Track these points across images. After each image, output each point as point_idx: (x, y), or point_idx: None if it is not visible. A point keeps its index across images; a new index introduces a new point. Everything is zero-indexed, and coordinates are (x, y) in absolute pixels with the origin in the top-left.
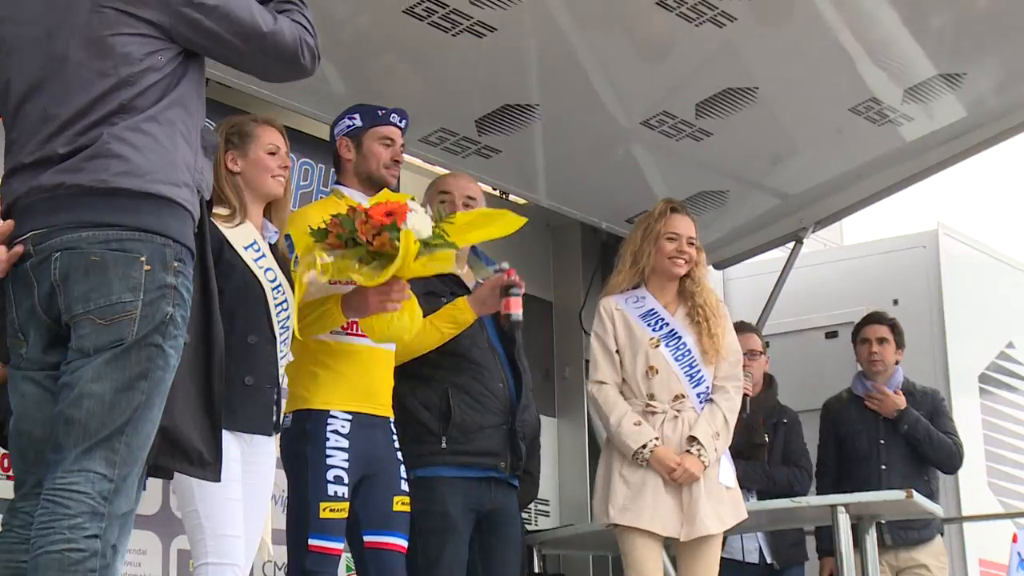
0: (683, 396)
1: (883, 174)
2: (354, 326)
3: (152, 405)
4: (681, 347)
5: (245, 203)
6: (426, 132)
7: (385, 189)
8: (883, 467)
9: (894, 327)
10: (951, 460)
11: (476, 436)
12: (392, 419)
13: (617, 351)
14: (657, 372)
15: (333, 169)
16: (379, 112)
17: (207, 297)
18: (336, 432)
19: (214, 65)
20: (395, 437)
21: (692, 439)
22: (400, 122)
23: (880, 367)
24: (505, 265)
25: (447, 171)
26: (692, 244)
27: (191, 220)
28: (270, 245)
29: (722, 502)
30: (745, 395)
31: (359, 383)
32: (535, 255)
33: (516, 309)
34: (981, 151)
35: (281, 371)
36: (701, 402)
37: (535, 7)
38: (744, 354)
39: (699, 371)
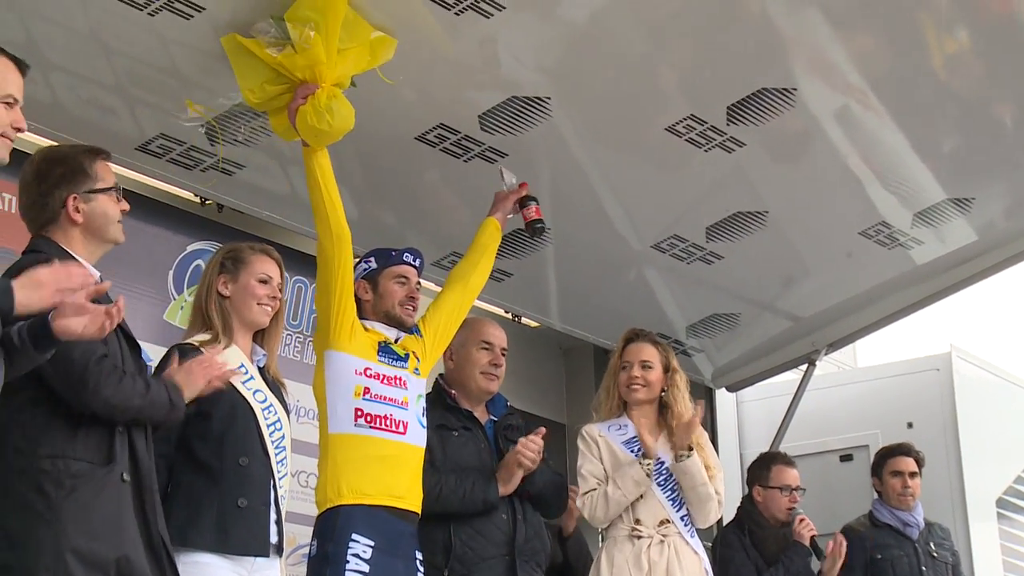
0: (668, 521)
1: (895, 297)
2: (378, 420)
3: None
4: (664, 472)
5: (231, 327)
6: (438, 256)
7: None
8: None
9: (919, 460)
10: None
11: (477, 568)
12: (419, 516)
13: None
14: (642, 497)
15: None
16: (392, 253)
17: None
18: (357, 556)
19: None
20: (420, 569)
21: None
22: (414, 260)
23: (911, 501)
24: (514, 181)
25: None
26: (648, 368)
27: None
28: (260, 369)
29: None
30: None
31: (388, 480)
32: (548, 377)
33: (539, 215)
34: (993, 274)
35: (281, 491)
36: (687, 526)
37: (546, 133)
38: None
39: (683, 496)
